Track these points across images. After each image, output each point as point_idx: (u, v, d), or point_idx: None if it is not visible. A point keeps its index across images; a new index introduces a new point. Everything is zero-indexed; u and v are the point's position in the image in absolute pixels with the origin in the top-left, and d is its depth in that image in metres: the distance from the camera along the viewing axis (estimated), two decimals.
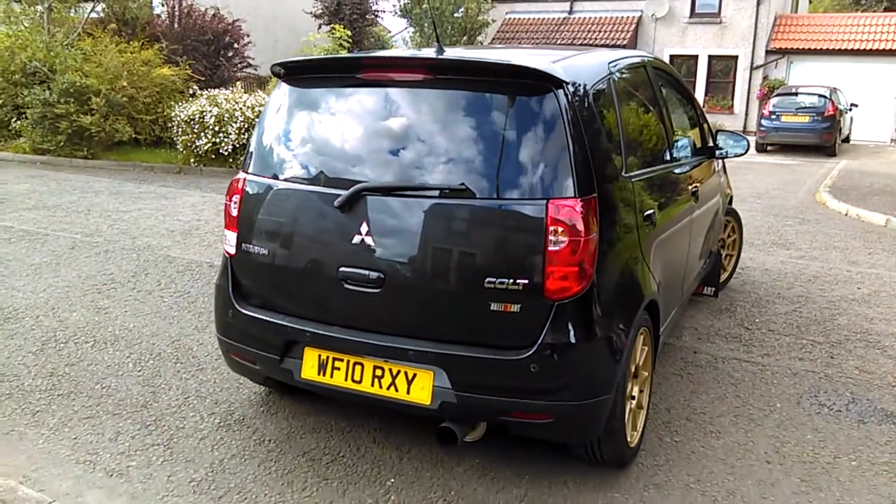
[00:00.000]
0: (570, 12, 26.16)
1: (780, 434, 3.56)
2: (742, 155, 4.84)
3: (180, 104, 12.65)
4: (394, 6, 24.56)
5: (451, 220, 2.87)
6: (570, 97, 2.85)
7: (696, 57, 24.91)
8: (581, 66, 3.30)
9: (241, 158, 11.54)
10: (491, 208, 2.82)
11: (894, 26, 23.21)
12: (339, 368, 3.03)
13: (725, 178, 5.56)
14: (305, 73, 3.34)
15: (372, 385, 2.97)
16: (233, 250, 3.28)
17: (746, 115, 24.22)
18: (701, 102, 24.78)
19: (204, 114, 11.79)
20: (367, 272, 2.90)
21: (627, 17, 25.20)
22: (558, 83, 2.83)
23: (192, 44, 16.20)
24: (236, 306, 3.28)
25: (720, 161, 5.12)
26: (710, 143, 4.84)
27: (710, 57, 24.75)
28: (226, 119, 11.66)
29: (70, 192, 9.81)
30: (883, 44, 22.90)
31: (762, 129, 18.37)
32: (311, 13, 26.08)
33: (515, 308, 2.76)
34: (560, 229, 2.71)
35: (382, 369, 2.95)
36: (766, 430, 3.59)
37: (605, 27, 25.32)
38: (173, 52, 15.12)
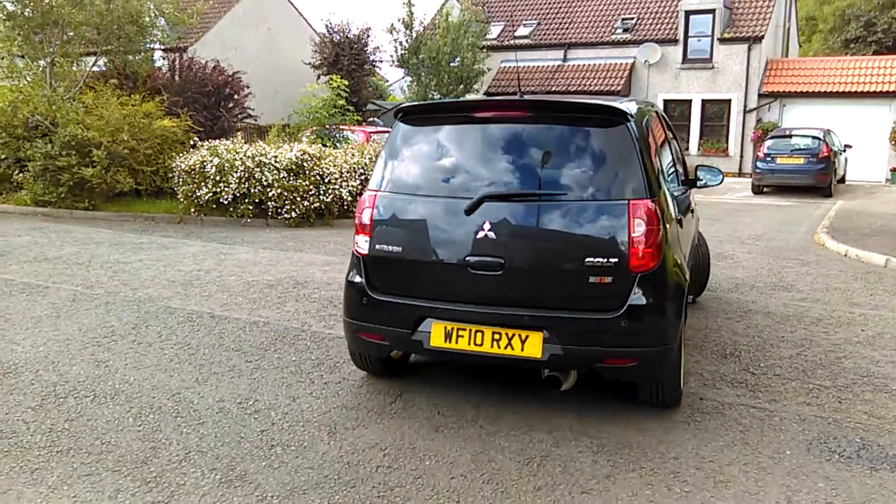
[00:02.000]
0: (564, 60, 26.58)
1: (792, 483, 3.50)
2: (718, 185, 5.77)
3: (181, 155, 12.75)
4: (391, 56, 24.92)
5: (556, 217, 3.93)
6: (634, 128, 3.99)
7: (689, 101, 25.26)
8: (632, 108, 4.22)
9: (240, 207, 11.65)
10: (587, 207, 3.90)
11: (885, 69, 23.58)
12: (462, 336, 3.98)
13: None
14: (421, 114, 4.43)
15: (491, 347, 3.94)
16: (366, 251, 4.25)
17: (741, 157, 24.45)
18: (696, 145, 25.10)
19: (204, 164, 11.88)
20: (490, 259, 3.90)
21: (621, 64, 25.61)
22: (628, 117, 3.98)
23: (193, 96, 16.40)
24: (369, 293, 4.21)
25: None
26: (691, 176, 5.86)
27: (704, 101, 25.08)
28: (226, 169, 11.75)
29: (71, 243, 9.83)
30: (874, 86, 23.25)
31: (757, 171, 18.53)
32: (309, 64, 26.51)
33: (608, 280, 3.81)
34: (638, 221, 3.78)
35: (500, 334, 3.91)
36: (777, 479, 3.53)
37: (599, 74, 25.72)
38: (174, 104, 15.30)
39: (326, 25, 26.88)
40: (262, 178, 11.70)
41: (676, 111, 25.54)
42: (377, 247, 4.21)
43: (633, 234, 3.78)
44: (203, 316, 6.31)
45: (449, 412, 4.29)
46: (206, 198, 11.89)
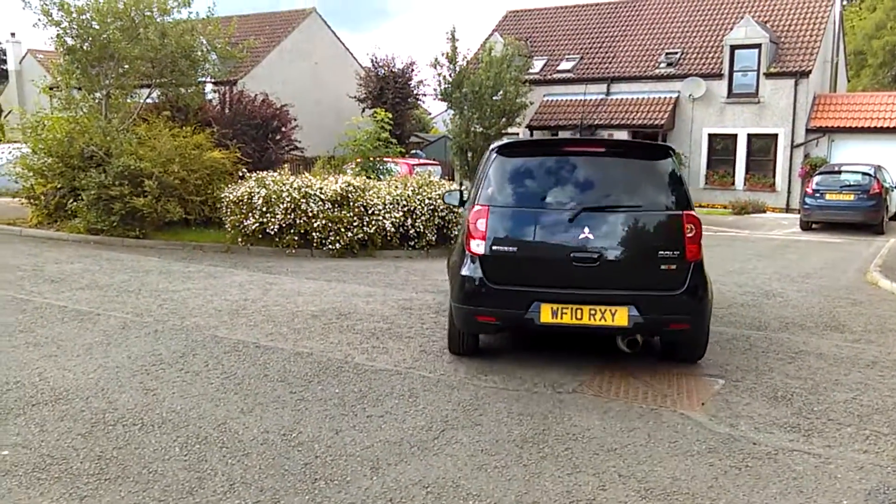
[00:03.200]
0: (607, 94, 26.57)
1: None
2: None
3: (229, 186, 13.02)
4: (434, 90, 25.21)
5: (635, 223, 5.56)
6: (675, 159, 5.83)
7: (735, 136, 24.97)
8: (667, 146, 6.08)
9: (286, 237, 11.80)
10: (655, 216, 5.58)
11: None
12: (566, 313, 5.40)
13: None
14: (517, 149, 6.06)
15: (589, 319, 5.38)
16: (482, 251, 5.55)
17: (789, 192, 24.03)
18: (741, 180, 24.77)
19: (252, 195, 12.11)
20: (589, 254, 5.38)
21: (665, 98, 25.50)
22: (670, 153, 5.83)
23: (242, 128, 16.79)
24: (487, 284, 5.52)
25: None
26: None
27: (750, 135, 24.77)
28: (273, 200, 11.95)
29: (122, 271, 10.06)
30: None
31: (806, 207, 18.17)
32: (354, 97, 26.97)
33: (673, 267, 5.42)
34: (689, 226, 5.46)
35: (595, 310, 5.37)
36: None
37: (643, 108, 25.63)
38: (224, 135, 15.67)
39: (372, 60, 27.45)
40: (307, 209, 11.86)
41: (721, 145, 25.27)
42: (493, 248, 5.54)
43: (687, 235, 5.45)
44: (248, 346, 6.38)
45: (492, 450, 4.24)
46: (253, 228, 12.10)
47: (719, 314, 8.01)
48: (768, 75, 24.14)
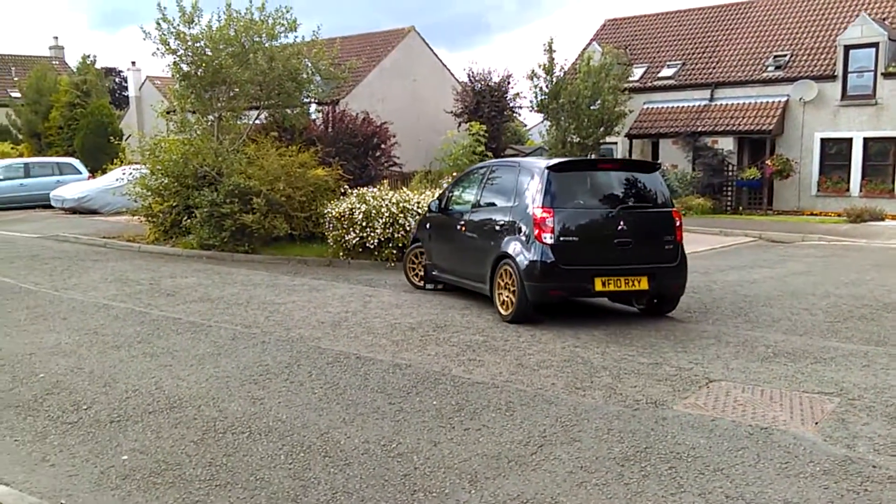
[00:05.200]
0: (711, 100, 25.73)
1: None
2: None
3: (332, 202, 13.42)
4: (530, 102, 25.13)
5: (650, 217, 8.06)
6: (660, 172, 8.76)
7: (849, 140, 23.61)
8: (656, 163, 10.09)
9: (384, 251, 12.05)
10: (661, 211, 8.09)
11: None
12: (611, 283, 7.62)
13: None
14: (564, 168, 8.10)
15: (625, 286, 7.67)
16: (551, 241, 7.56)
17: None
18: (857, 186, 23.40)
19: (353, 210, 12.43)
20: (625, 239, 7.68)
21: (773, 102, 24.44)
22: (657, 167, 8.79)
23: (344, 146, 17.29)
24: (559, 265, 7.54)
25: None
26: None
27: (866, 139, 23.35)
28: (373, 215, 12.22)
29: (232, 284, 10.53)
30: None
31: None
32: (451, 112, 27.26)
33: (671, 247, 7.94)
34: (678, 219, 8.08)
35: (629, 279, 7.67)
36: None
37: (749, 113, 24.67)
38: (327, 154, 16.18)
39: (468, 74, 27.65)
40: (405, 224, 12.06)
41: (835, 150, 23.95)
42: (560, 238, 7.59)
43: (676, 224, 8.01)
44: (350, 357, 6.54)
45: (592, 466, 4.17)
46: (354, 242, 12.41)
47: (835, 328, 7.59)
48: (886, 75, 22.73)
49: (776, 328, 7.64)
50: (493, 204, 8.74)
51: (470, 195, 9.34)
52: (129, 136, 27.49)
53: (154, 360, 6.48)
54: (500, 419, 4.93)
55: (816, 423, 4.83)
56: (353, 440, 4.59)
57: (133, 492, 3.94)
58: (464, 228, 9.00)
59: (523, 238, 7.79)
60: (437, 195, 11.13)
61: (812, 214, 23.57)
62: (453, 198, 9.71)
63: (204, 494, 3.89)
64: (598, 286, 7.57)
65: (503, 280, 8.03)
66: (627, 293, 7.91)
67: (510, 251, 7.90)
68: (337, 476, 4.09)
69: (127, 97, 42.78)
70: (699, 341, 7.06)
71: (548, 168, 7.87)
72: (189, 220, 14.37)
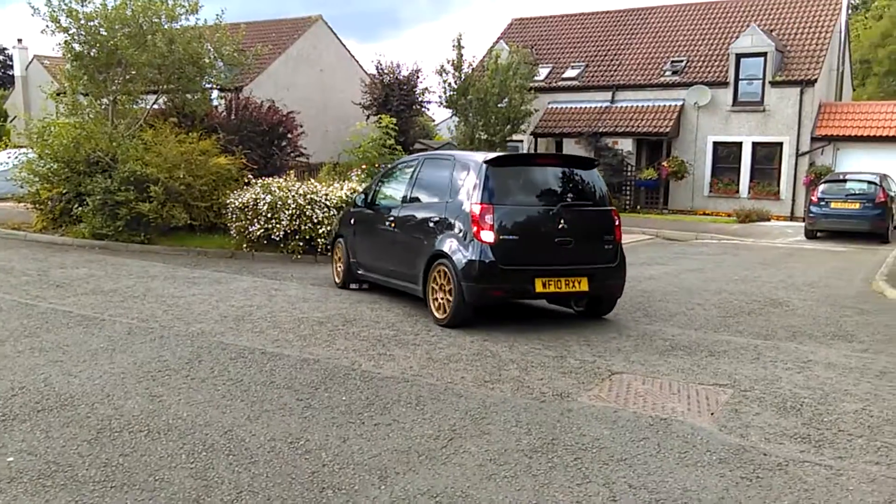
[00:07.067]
0: (612, 102, 26.58)
1: None
2: None
3: (235, 192, 13.04)
4: (439, 97, 25.22)
5: (590, 215, 7.67)
6: (597, 169, 8.26)
7: (739, 144, 24.93)
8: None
9: (290, 244, 11.81)
10: (600, 210, 7.76)
11: None
12: (551, 283, 7.25)
13: None
14: (502, 162, 7.65)
15: (565, 287, 7.30)
16: (492, 240, 7.13)
17: (793, 201, 23.97)
18: (746, 188, 24.71)
19: (258, 201, 12.11)
20: (566, 238, 7.31)
21: (670, 106, 25.50)
22: (595, 164, 8.37)
23: (248, 134, 16.81)
24: (499, 266, 7.11)
25: None
26: None
27: (755, 144, 24.73)
28: (278, 206, 11.95)
29: (127, 276, 10.05)
30: None
31: (811, 215, 18.15)
32: (360, 104, 26.99)
33: (610, 247, 7.65)
34: (616, 218, 7.80)
35: (570, 280, 7.30)
36: None
37: (647, 115, 25.62)
38: (230, 142, 15.69)
39: (377, 67, 27.42)
40: (312, 216, 11.86)
41: (726, 153, 25.24)
42: (501, 237, 7.17)
43: (615, 224, 7.77)
44: (255, 352, 6.36)
45: (501, 459, 4.21)
46: (258, 234, 12.10)
47: (727, 322, 7.97)
48: (774, 84, 24.13)
49: (673, 322, 7.96)
50: (426, 199, 8.19)
51: (399, 189, 8.73)
52: (15, 117, 25.82)
53: (43, 356, 6.10)
54: (411, 413, 4.91)
55: (712, 414, 5.05)
56: (258, 438, 4.46)
57: (20, 495, 3.68)
58: (393, 225, 8.44)
59: (460, 236, 7.31)
60: (363, 188, 10.65)
61: (705, 214, 24.76)
62: (381, 192, 9.14)
63: (98, 496, 3.68)
64: (539, 287, 7.16)
65: (438, 281, 7.51)
66: (567, 294, 7.48)
67: (446, 249, 7.41)
68: (242, 475, 3.96)
69: (12, 76, 40.18)
70: (601, 335, 7.27)
71: (485, 162, 7.37)
72: (80, 209, 13.64)
